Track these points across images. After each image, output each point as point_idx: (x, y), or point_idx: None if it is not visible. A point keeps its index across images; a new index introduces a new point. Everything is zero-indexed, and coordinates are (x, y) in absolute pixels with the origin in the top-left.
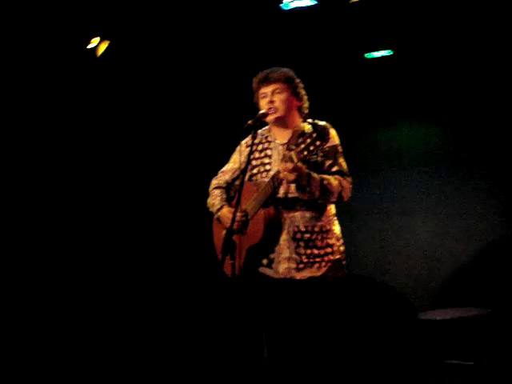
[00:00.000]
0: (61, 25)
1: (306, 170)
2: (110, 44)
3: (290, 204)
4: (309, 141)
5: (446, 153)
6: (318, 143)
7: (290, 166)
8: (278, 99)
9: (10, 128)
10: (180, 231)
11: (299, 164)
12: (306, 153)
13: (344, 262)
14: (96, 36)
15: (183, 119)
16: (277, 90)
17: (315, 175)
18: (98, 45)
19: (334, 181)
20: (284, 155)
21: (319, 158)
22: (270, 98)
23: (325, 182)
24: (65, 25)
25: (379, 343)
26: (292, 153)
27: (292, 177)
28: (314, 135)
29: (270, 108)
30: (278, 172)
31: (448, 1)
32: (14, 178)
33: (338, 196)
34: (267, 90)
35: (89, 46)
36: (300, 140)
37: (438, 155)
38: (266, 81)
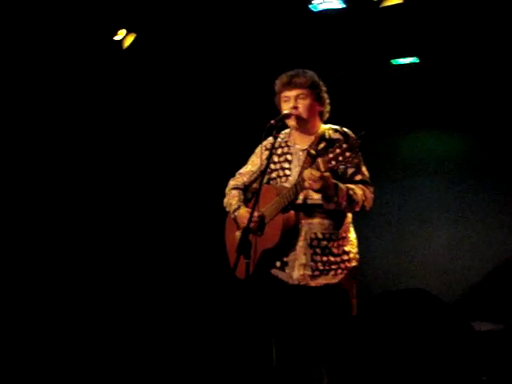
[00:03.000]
0: (88, 16)
1: (333, 181)
2: (136, 37)
3: (309, 210)
4: (338, 151)
5: (466, 163)
6: (347, 154)
7: (316, 174)
8: (302, 105)
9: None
10: (195, 231)
11: (326, 174)
12: (334, 162)
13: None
14: (122, 28)
15: (204, 119)
16: (301, 96)
17: (342, 185)
18: (125, 37)
19: (358, 191)
20: (311, 163)
21: (342, 169)
22: (293, 104)
23: (350, 192)
24: (92, 16)
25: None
26: (319, 160)
27: (317, 186)
28: (345, 146)
29: (294, 114)
30: (302, 179)
31: (475, 11)
32: (31, 177)
33: (361, 206)
34: (291, 94)
35: (115, 38)
36: (324, 145)
37: (459, 165)
38: (290, 85)
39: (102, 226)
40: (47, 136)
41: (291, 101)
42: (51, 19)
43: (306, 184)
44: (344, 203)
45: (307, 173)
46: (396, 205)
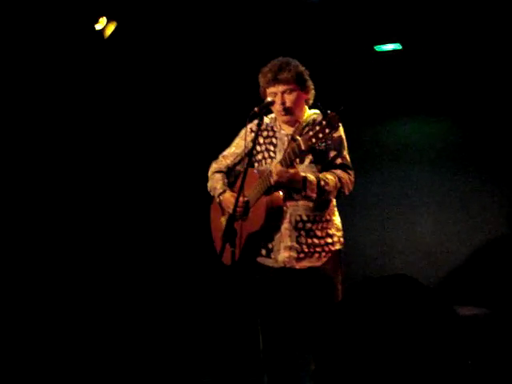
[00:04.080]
0: (68, 5)
1: (301, 175)
2: (117, 26)
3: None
4: (318, 128)
5: (450, 150)
6: (327, 131)
7: (279, 168)
8: (289, 100)
9: (8, 116)
10: (179, 217)
11: (292, 170)
12: (314, 140)
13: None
14: (103, 16)
15: (186, 105)
16: (287, 91)
17: (311, 177)
18: (106, 26)
19: (331, 179)
20: (281, 159)
21: (323, 147)
22: (280, 99)
23: (322, 184)
24: (72, 5)
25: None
26: (300, 139)
27: (282, 180)
28: (324, 123)
29: (282, 110)
30: (271, 172)
31: None
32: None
33: (336, 193)
34: (277, 90)
35: (96, 27)
36: (308, 128)
37: (443, 152)
38: (276, 81)
39: (85, 214)
40: (26, 129)
41: (278, 96)
42: (31, 10)
43: (272, 181)
44: (314, 195)
45: (273, 168)
46: (380, 191)
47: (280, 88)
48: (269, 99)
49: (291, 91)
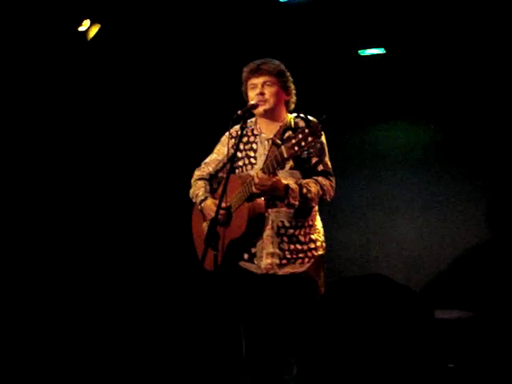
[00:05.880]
0: (52, 7)
1: (283, 183)
2: (100, 28)
3: (275, 199)
4: (300, 136)
5: (434, 153)
6: (310, 139)
7: (263, 177)
8: (268, 91)
9: None
10: (162, 222)
11: (274, 178)
12: (296, 148)
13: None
14: (86, 19)
15: (170, 109)
16: (267, 83)
17: (293, 186)
18: (89, 28)
19: (314, 186)
20: (263, 167)
21: (306, 155)
22: (260, 90)
23: (304, 191)
24: (56, 7)
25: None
26: (282, 147)
27: (265, 188)
28: (307, 131)
29: (260, 100)
30: (253, 179)
31: (441, 2)
32: None
33: (318, 201)
34: (257, 81)
35: (80, 29)
36: (289, 135)
37: (425, 156)
38: (257, 72)
39: (68, 215)
40: (7, 130)
41: (258, 87)
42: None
43: (254, 189)
44: (296, 203)
45: (255, 176)
46: (364, 195)
47: (261, 79)
48: (252, 102)
49: (272, 84)
